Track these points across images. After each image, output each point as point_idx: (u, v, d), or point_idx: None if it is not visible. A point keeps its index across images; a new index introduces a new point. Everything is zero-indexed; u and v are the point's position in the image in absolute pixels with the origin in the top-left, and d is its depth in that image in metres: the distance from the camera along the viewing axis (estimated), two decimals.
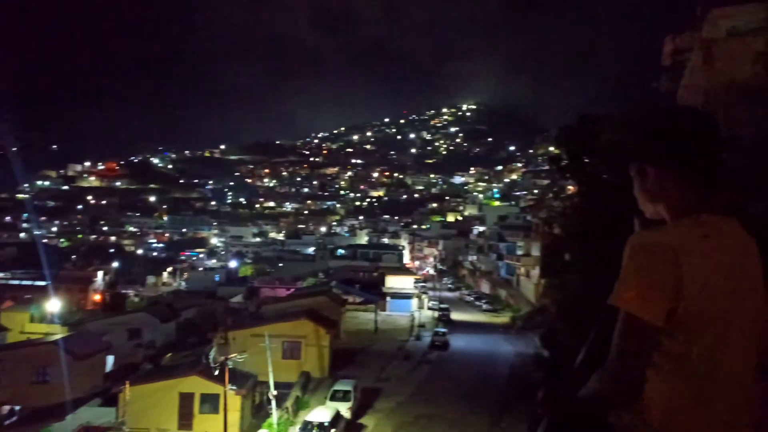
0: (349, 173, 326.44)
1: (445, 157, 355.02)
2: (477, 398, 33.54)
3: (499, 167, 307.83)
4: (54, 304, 61.51)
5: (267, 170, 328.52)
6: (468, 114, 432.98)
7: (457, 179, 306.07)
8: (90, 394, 33.40)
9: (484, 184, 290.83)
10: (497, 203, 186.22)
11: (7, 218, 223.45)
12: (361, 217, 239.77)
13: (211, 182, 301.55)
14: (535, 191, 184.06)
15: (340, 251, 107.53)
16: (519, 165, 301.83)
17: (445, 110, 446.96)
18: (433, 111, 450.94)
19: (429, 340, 49.78)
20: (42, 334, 45.07)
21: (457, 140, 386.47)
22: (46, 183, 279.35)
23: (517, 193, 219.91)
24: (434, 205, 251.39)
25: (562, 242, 23.76)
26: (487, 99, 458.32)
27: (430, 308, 68.33)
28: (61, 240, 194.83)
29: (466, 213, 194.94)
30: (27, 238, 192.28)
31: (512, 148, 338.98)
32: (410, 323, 55.13)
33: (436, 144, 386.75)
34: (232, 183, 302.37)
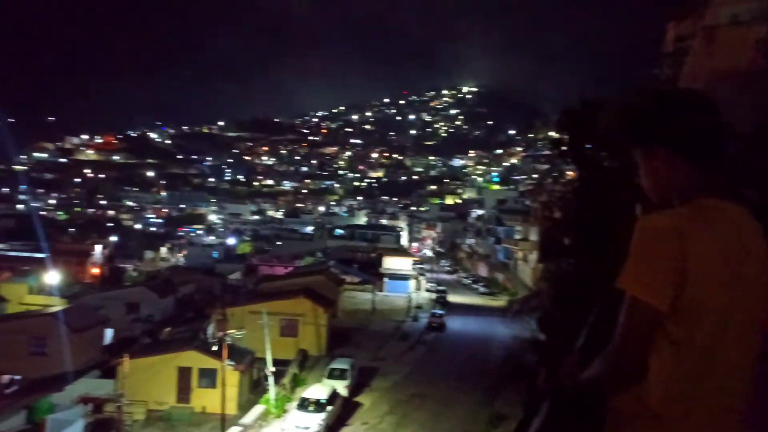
0: (348, 153, 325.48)
1: (444, 139, 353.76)
2: (472, 379, 33.97)
3: (499, 151, 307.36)
4: (52, 277, 61.76)
5: (265, 148, 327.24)
6: (468, 96, 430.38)
7: (457, 162, 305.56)
8: (88, 367, 33.73)
9: (483, 167, 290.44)
10: (496, 187, 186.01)
11: (4, 189, 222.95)
12: (359, 198, 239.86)
13: (209, 158, 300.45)
14: (535, 176, 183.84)
15: (339, 231, 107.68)
16: (518, 149, 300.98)
17: (445, 92, 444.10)
18: (433, 92, 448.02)
19: (426, 321, 50.21)
20: (41, 305, 45.30)
21: (457, 122, 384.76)
22: (44, 155, 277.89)
23: (516, 177, 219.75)
24: (433, 187, 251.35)
25: (561, 227, 23.85)
26: (487, 82, 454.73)
27: (427, 290, 68.75)
28: (59, 213, 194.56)
29: (464, 196, 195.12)
30: (25, 209, 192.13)
31: (512, 131, 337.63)
32: (407, 304, 55.51)
33: (436, 126, 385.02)
34: (230, 160, 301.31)
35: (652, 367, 1.49)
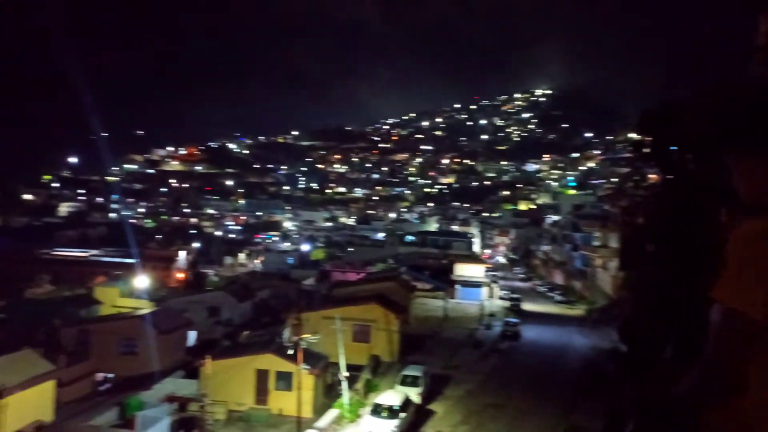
0: (419, 159, 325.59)
1: (517, 143, 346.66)
2: (548, 390, 32.92)
3: (575, 154, 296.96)
4: (141, 281, 65.57)
5: (338, 156, 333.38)
6: (542, 99, 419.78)
7: (530, 167, 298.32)
8: (174, 367, 35.50)
9: (558, 171, 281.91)
10: (572, 192, 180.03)
11: (99, 199, 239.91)
12: (430, 204, 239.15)
13: (284, 167, 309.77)
14: (614, 180, 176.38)
15: (410, 237, 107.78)
16: (596, 152, 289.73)
17: (517, 96, 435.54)
18: (505, 96, 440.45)
19: (499, 329, 49.24)
20: (131, 308, 48.22)
21: (530, 126, 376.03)
22: (133, 166, 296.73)
23: (594, 182, 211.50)
24: (506, 192, 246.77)
25: (644, 233, 22.70)
26: (562, 84, 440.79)
27: (500, 297, 67.44)
28: (147, 220, 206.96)
29: (539, 201, 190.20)
30: (116, 218, 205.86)
31: (589, 134, 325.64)
32: (480, 312, 54.67)
33: (508, 130, 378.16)
34: (304, 168, 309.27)
35: (751, 381, 1.38)
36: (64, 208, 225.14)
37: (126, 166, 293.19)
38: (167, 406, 27.89)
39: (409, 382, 30.76)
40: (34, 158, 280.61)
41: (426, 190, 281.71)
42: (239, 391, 28.93)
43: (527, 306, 63.72)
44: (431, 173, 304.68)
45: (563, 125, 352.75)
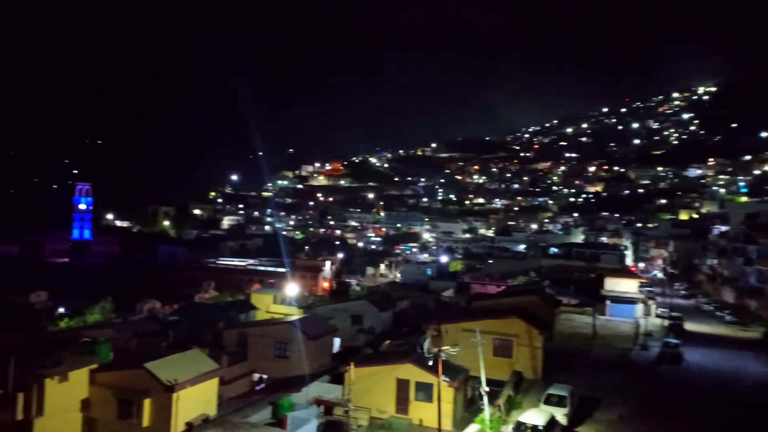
0: (563, 168, 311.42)
1: (675, 147, 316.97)
2: (716, 421, 29.25)
3: (747, 157, 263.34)
4: (291, 289, 70.00)
5: (476, 167, 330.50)
6: (705, 98, 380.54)
7: (692, 172, 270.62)
8: (320, 371, 37.20)
9: (726, 177, 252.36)
10: (744, 199, 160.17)
11: (255, 213, 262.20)
12: (576, 214, 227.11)
13: (422, 179, 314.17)
14: None
15: (553, 249, 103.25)
16: None
17: (675, 95, 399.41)
18: (660, 97, 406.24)
19: (657, 350, 44.93)
20: (282, 314, 51.65)
21: (692, 128, 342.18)
22: (285, 182, 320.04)
23: None
24: (663, 201, 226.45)
25: None
26: (728, 79, 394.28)
27: (658, 315, 61.67)
28: (296, 232, 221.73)
29: (703, 210, 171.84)
30: (270, 230, 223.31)
31: (764, 134, 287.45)
32: (634, 331, 50.36)
33: (665, 133, 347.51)
34: (442, 180, 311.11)
35: None
36: (226, 222, 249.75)
37: (279, 182, 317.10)
38: (315, 409, 29.21)
39: (555, 401, 29.09)
40: (203, 177, 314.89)
41: (571, 199, 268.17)
42: (381, 399, 29.41)
43: (690, 326, 57.49)
44: (577, 182, 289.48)
45: (731, 125, 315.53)
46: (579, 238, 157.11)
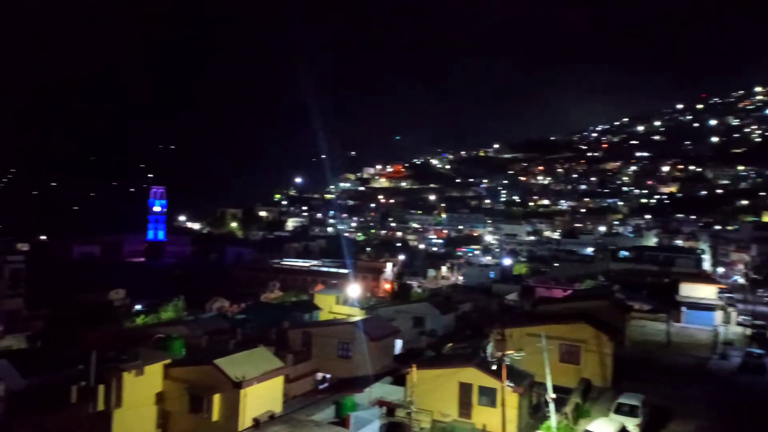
0: (633, 167, 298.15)
1: (759, 145, 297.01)
2: None
3: None
4: (354, 290, 70.74)
5: (541, 167, 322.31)
6: None
7: None
8: (382, 373, 37.33)
9: None
10: None
11: (318, 215, 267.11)
12: (647, 216, 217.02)
13: (485, 181, 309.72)
14: None
15: (623, 253, 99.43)
16: None
17: (758, 89, 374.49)
18: (741, 92, 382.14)
19: (738, 360, 42.25)
20: (344, 315, 52.23)
21: None
22: (347, 185, 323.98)
23: None
24: (744, 202, 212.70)
25: None
26: None
27: (739, 323, 58.01)
28: (358, 234, 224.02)
29: None
30: (332, 232, 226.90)
31: None
32: (713, 339, 47.56)
33: (746, 130, 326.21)
34: (505, 181, 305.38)
35: None
36: (290, 223, 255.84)
37: (341, 184, 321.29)
38: (377, 410, 29.32)
39: (626, 411, 27.88)
40: (269, 179, 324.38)
41: (643, 200, 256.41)
42: (443, 402, 29.16)
43: None
44: (648, 182, 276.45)
45: None
46: (651, 241, 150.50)
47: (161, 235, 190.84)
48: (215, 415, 26.02)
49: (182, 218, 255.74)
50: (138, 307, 73.21)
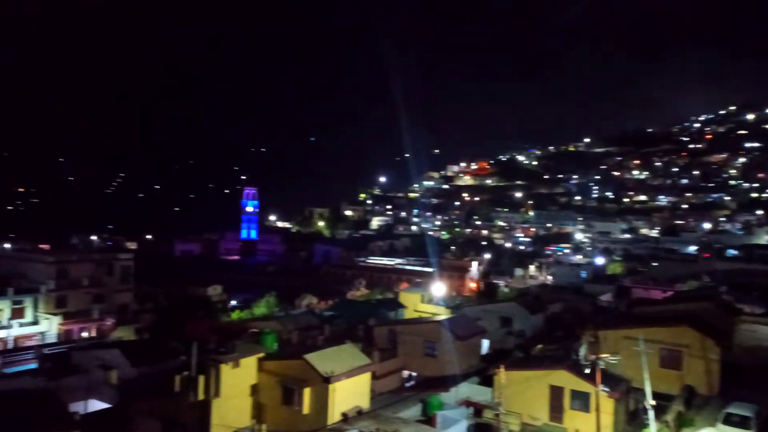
0: (743, 160, 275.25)
1: None
2: None
3: None
4: (438, 288, 70.47)
5: (636, 161, 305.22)
6: None
7: None
8: (468, 372, 36.89)
9: None
10: None
11: (402, 214, 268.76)
12: (759, 212, 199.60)
13: (575, 177, 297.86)
14: None
15: (731, 251, 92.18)
16: None
17: None
18: None
19: None
20: (430, 313, 52.17)
21: None
22: (431, 183, 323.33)
23: None
24: None
25: None
26: None
27: None
28: (442, 232, 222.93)
29: None
30: (417, 230, 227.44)
31: None
32: None
33: None
34: (597, 177, 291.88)
35: None
36: (375, 222, 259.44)
37: (425, 182, 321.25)
38: (464, 410, 29.02)
39: (736, 422, 25.75)
40: (355, 179, 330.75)
41: (753, 195, 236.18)
42: (532, 405, 28.36)
43: None
44: (760, 175, 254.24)
45: None
46: (763, 239, 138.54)
47: (254, 234, 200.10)
48: (306, 408, 26.85)
49: (273, 218, 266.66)
50: (233, 302, 77.18)
